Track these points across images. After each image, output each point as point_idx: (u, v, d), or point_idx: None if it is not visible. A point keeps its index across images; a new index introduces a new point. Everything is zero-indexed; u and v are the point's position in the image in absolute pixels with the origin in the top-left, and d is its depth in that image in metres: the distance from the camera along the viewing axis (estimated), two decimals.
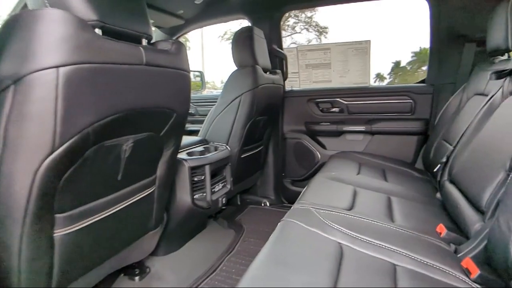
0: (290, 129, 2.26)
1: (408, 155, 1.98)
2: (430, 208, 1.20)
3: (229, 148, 1.59)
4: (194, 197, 1.30)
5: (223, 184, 1.52)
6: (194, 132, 2.43)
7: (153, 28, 2.31)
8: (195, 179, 1.30)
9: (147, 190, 1.03)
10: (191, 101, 2.57)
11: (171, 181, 1.18)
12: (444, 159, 1.30)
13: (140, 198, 1.01)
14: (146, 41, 0.87)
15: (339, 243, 0.84)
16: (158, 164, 1.05)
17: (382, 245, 0.84)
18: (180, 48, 0.95)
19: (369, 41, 2.02)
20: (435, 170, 1.35)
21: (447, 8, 1.76)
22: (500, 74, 1.13)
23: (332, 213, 1.00)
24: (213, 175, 1.43)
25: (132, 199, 0.97)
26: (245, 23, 2.21)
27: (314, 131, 2.20)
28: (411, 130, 1.96)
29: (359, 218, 0.98)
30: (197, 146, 1.50)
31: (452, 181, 1.19)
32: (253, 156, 1.95)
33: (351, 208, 1.09)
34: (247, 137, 1.72)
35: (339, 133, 2.15)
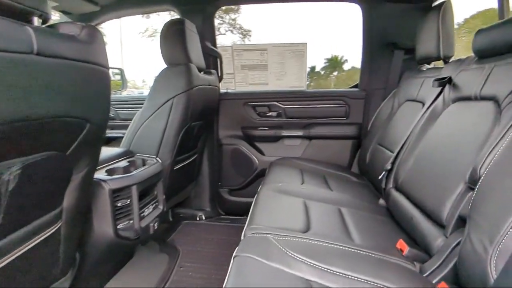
0: (227, 134, 2.09)
1: (344, 159, 2.01)
2: (380, 218, 1.18)
3: (160, 161, 1.33)
4: (118, 227, 1.02)
5: (154, 205, 1.26)
6: (114, 140, 2.07)
7: (57, 14, 1.88)
8: (119, 204, 1.02)
9: (48, 230, 0.74)
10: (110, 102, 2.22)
11: (85, 210, 0.89)
12: (389, 166, 1.29)
13: (38, 243, 0.72)
14: (40, 20, 0.60)
15: (308, 280, 0.71)
16: (66, 192, 0.77)
17: (353, 277, 0.73)
18: (94, 35, 0.70)
19: (306, 43, 1.98)
20: (379, 177, 1.34)
21: (378, 15, 1.82)
22: (440, 82, 1.16)
23: (291, 240, 0.86)
24: (142, 195, 1.17)
25: (24, 247, 0.68)
26: (173, 17, 1.96)
27: (251, 136, 2.07)
28: (346, 134, 1.98)
29: (319, 242, 0.87)
30: (119, 161, 1.21)
31: (399, 189, 1.18)
32: (187, 167, 1.72)
33: (308, 228, 0.98)
34: (180, 146, 1.49)
35: (277, 138, 2.06)
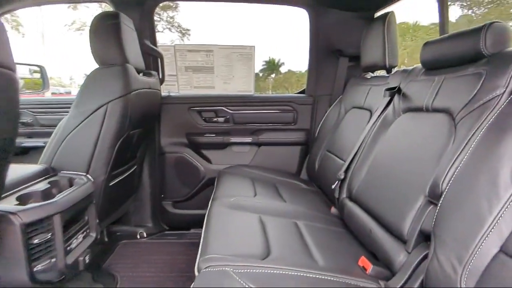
0: (170, 142, 1.91)
1: (293, 166, 1.99)
2: (337, 231, 1.15)
3: (91, 178, 1.13)
4: (35, 269, 0.81)
5: (84, 233, 1.05)
6: (31, 150, 1.75)
7: None
8: (35, 241, 0.81)
9: None
10: (27, 106, 1.86)
11: None
12: (342, 176, 1.28)
13: None
14: None
15: None
16: None
17: None
18: None
19: (254, 46, 1.91)
20: (332, 186, 1.33)
21: (324, 21, 1.83)
22: (391, 92, 1.18)
23: (253, 272, 0.77)
24: (68, 223, 0.96)
25: None
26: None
27: (197, 144, 1.93)
28: (295, 140, 1.97)
29: (282, 270, 0.79)
30: (37, 182, 0.98)
31: (353, 200, 1.18)
32: (125, 181, 1.51)
33: (268, 252, 0.90)
34: (117, 158, 1.29)
35: (225, 145, 1.96)
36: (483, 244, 0.58)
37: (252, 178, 1.66)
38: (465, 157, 0.71)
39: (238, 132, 1.95)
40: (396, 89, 1.17)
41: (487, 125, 0.70)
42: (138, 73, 1.44)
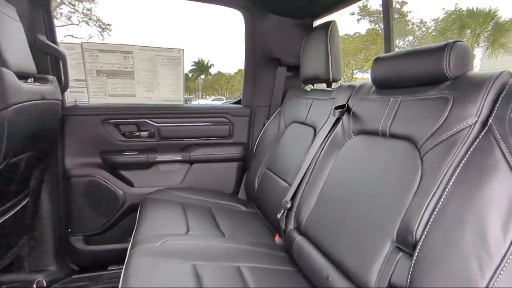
0: (78, 163, 1.54)
1: (229, 185, 1.80)
2: (285, 271, 1.00)
3: None
4: None
5: None
6: None
7: None
8: None
9: None
10: None
11: None
12: (288, 205, 1.13)
13: None
14: None
15: None
16: None
17: None
18: None
19: (183, 49, 1.66)
20: (278, 216, 1.17)
21: (262, 27, 1.68)
22: (341, 111, 1.07)
23: None
24: None
25: None
26: None
27: (114, 164, 1.60)
28: (231, 156, 1.78)
29: None
30: None
31: (303, 234, 1.03)
32: (11, 220, 1.13)
33: None
34: None
35: (150, 164, 1.66)
36: None
37: (184, 205, 1.42)
38: (442, 200, 0.60)
39: (165, 149, 1.68)
40: (346, 107, 1.07)
41: (463, 161, 0.61)
42: (25, 79, 1.08)
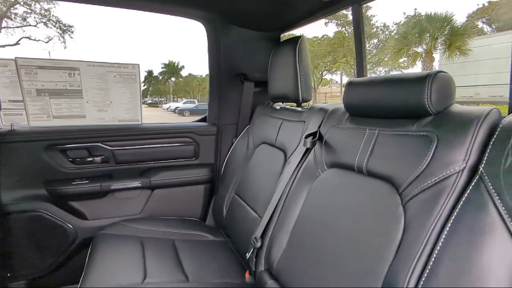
0: (17, 196, 1.34)
1: (196, 211, 1.66)
2: None
3: None
4: None
5: None
6: None
7: None
8: None
9: None
10: None
11: None
12: (258, 244, 1.01)
13: None
14: None
15: None
16: None
17: None
18: None
19: (138, 65, 1.50)
20: (247, 256, 1.05)
21: (226, 40, 1.55)
22: (313, 142, 0.97)
23: None
24: None
25: None
26: None
27: (62, 195, 1.41)
28: (197, 179, 1.64)
29: None
30: None
31: (274, 276, 0.92)
32: None
33: None
34: None
35: (104, 193, 1.49)
36: None
37: (143, 240, 1.26)
38: (432, 261, 0.52)
39: (122, 174, 1.51)
40: (317, 136, 0.97)
41: (453, 217, 0.53)
42: None
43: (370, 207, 0.69)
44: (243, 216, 1.25)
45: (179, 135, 1.60)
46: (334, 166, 0.88)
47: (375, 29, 20.59)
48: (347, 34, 20.90)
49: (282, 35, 1.61)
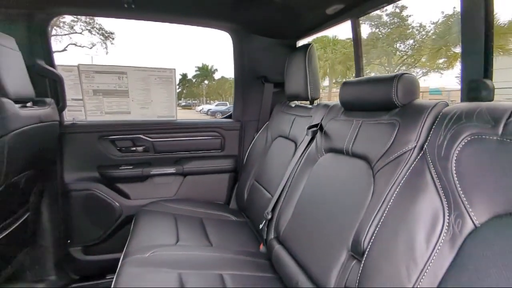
0: (76, 177, 1.63)
1: (221, 195, 1.88)
2: (264, 277, 1.07)
3: None
4: None
5: None
6: None
7: None
8: None
9: None
10: None
11: None
12: (269, 216, 1.21)
13: None
14: None
15: None
16: None
17: None
18: None
19: (174, 69, 1.76)
20: (260, 227, 1.25)
21: (248, 47, 1.77)
22: (313, 131, 1.15)
23: None
24: None
25: None
26: None
27: (111, 178, 1.69)
28: (223, 168, 1.86)
29: None
30: None
31: (281, 242, 1.11)
32: (13, 234, 1.22)
33: None
34: None
35: (145, 178, 1.75)
36: None
37: (176, 216, 1.50)
38: (384, 214, 0.68)
39: (160, 162, 1.77)
40: (318, 126, 1.15)
41: (402, 181, 0.69)
42: (24, 103, 1.18)
43: (350, 181, 0.87)
44: (259, 198, 1.44)
45: (208, 129, 1.84)
46: (329, 151, 1.06)
47: (410, 29, 19.89)
48: (381, 36, 20.37)
49: (298, 42, 1.80)
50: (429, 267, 0.55)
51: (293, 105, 1.62)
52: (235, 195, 1.85)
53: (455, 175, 0.57)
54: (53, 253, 1.59)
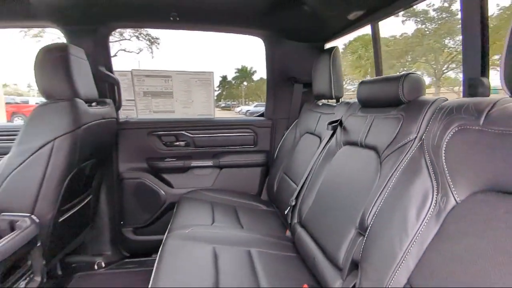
0: (128, 167, 1.89)
1: (254, 187, 2.03)
2: (287, 256, 1.20)
3: (36, 220, 1.09)
4: None
5: (27, 279, 1.01)
6: None
7: None
8: None
9: None
10: None
11: None
12: (293, 202, 1.33)
13: None
14: None
15: None
16: None
17: None
18: None
19: (212, 72, 1.95)
20: (285, 212, 1.38)
21: (279, 51, 1.91)
22: (333, 126, 1.26)
23: None
24: (9, 270, 0.92)
25: None
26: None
27: (158, 168, 1.92)
28: (255, 162, 2.01)
29: None
30: None
31: (303, 225, 1.23)
32: (78, 213, 1.47)
33: (216, 285, 0.92)
34: (67, 193, 1.26)
35: (186, 169, 1.96)
36: (395, 276, 0.64)
37: (212, 203, 1.67)
38: (386, 194, 0.78)
39: (199, 156, 1.97)
40: (338, 122, 1.25)
41: (402, 166, 0.78)
42: (91, 103, 1.43)
43: (361, 169, 0.97)
44: (287, 188, 1.57)
45: (242, 127, 2.00)
46: (347, 144, 1.16)
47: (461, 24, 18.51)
48: (427, 32, 19.25)
49: (326, 45, 1.90)
50: (417, 237, 0.64)
51: (320, 104, 1.73)
52: (266, 187, 1.99)
53: (444, 160, 0.65)
54: (109, 232, 1.86)
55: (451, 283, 0.53)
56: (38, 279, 1.05)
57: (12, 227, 1.01)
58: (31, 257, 1.04)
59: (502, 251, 0.47)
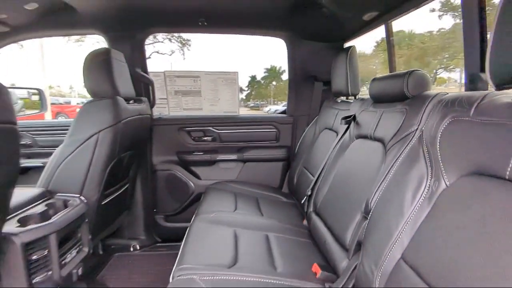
0: (161, 160, 2.07)
1: (275, 180, 2.13)
2: (302, 241, 1.29)
3: (84, 200, 1.27)
4: (34, 281, 0.95)
5: (78, 248, 1.19)
6: (30, 170, 1.90)
7: None
8: (34, 257, 0.95)
9: None
10: (27, 129, 2.03)
11: None
12: (309, 192, 1.42)
13: None
14: None
15: None
16: None
17: None
18: None
19: (237, 72, 2.08)
20: (302, 201, 1.47)
21: (300, 51, 2.00)
22: (347, 120, 1.33)
23: (217, 278, 0.91)
24: (63, 240, 1.10)
25: None
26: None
27: (187, 161, 2.08)
28: (277, 157, 2.11)
29: (244, 277, 0.93)
30: (35, 205, 1.13)
31: (317, 213, 1.32)
32: (117, 198, 1.66)
33: (235, 261, 1.04)
34: (109, 179, 1.44)
35: (212, 162, 2.11)
36: (390, 252, 0.72)
37: (236, 193, 1.80)
38: (387, 180, 0.85)
39: (224, 150, 2.10)
40: (352, 117, 1.33)
41: (403, 155, 0.85)
42: (129, 101, 1.60)
43: (369, 159, 1.05)
44: (305, 180, 1.66)
45: (265, 123, 2.11)
46: (359, 137, 1.23)
47: None
48: None
49: (345, 44, 1.96)
50: (411, 217, 0.71)
51: (339, 101, 1.79)
52: (287, 180, 2.08)
53: (438, 149, 0.72)
54: (143, 219, 2.05)
55: (439, 254, 0.61)
56: (85, 250, 1.23)
57: (65, 205, 1.19)
58: (80, 231, 1.23)
59: (484, 224, 0.54)
